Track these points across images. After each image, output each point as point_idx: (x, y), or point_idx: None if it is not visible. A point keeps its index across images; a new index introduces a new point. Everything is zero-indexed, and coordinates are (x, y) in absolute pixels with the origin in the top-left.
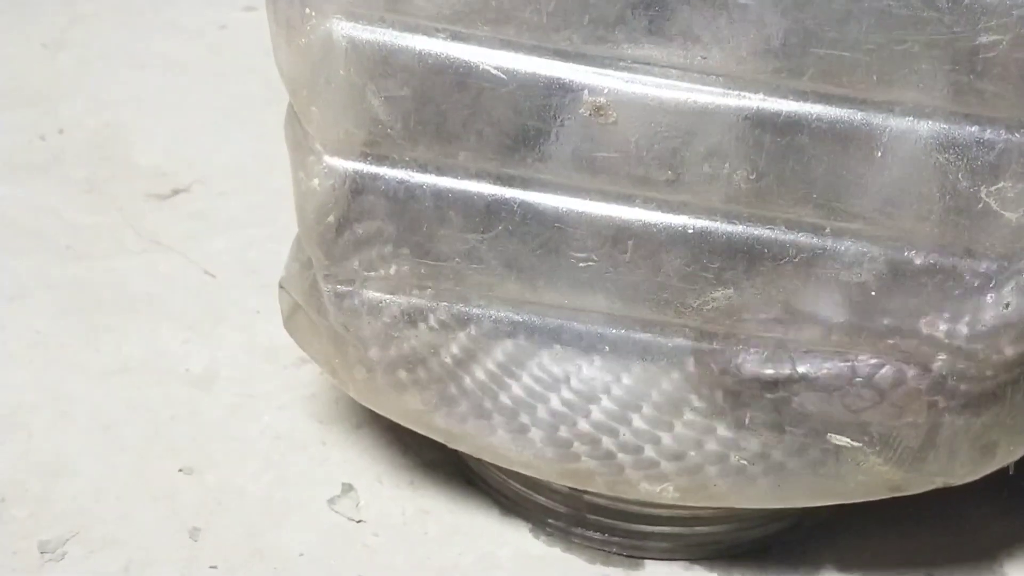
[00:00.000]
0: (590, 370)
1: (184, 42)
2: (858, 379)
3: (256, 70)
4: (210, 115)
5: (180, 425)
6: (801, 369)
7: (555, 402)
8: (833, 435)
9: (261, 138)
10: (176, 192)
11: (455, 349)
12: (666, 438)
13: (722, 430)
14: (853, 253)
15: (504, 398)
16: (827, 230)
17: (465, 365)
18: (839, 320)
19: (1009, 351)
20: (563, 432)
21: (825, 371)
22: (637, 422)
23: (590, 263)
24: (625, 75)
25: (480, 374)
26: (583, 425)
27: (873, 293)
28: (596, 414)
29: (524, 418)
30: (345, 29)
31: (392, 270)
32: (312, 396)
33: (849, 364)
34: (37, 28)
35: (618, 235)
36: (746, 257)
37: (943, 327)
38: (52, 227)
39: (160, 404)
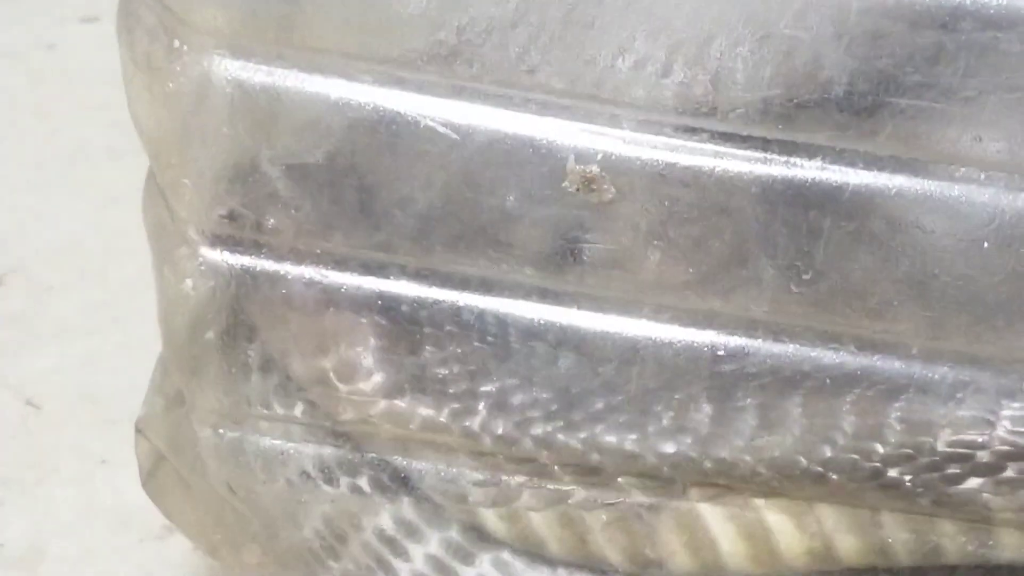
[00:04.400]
0: None
1: None
2: None
3: (98, 109)
4: (32, 174)
5: None
6: None
7: None
8: None
9: (104, 207)
10: None
11: (389, 521)
12: None
13: None
14: (951, 383)
15: None
16: (914, 351)
17: (405, 544)
18: None
19: None
20: None
21: None
22: None
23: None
24: (626, 133)
25: (424, 560)
26: None
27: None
28: None
29: None
30: (230, 70)
31: (300, 409)
32: None
33: None
34: None
35: (618, 356)
36: (798, 388)
37: None
38: None
39: None
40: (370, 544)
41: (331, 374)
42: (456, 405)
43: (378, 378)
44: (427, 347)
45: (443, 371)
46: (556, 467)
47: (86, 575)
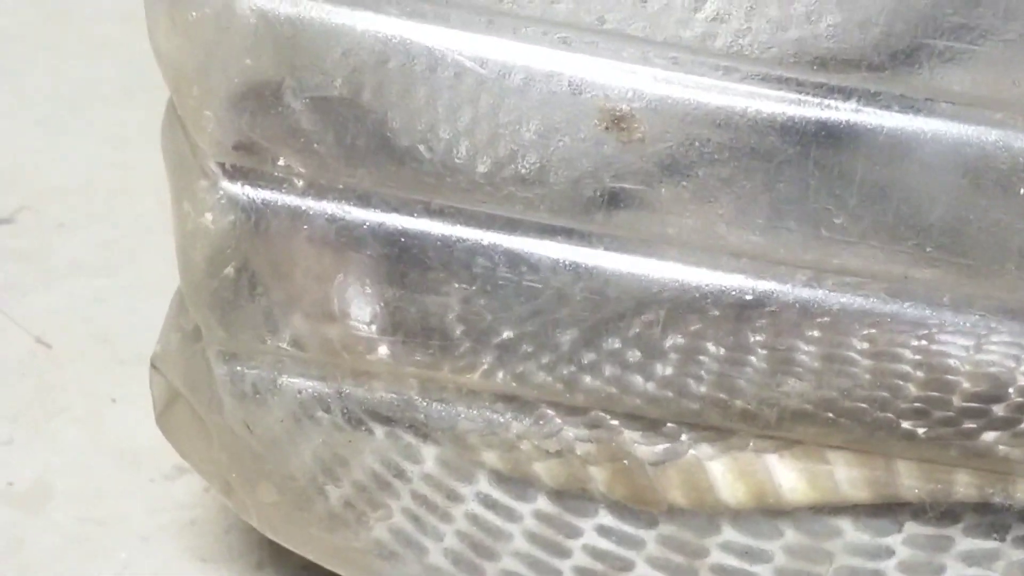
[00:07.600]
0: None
1: (7, 4)
2: None
3: (112, 45)
4: (43, 111)
5: None
6: None
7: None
8: None
9: (119, 145)
10: None
11: (412, 462)
12: None
13: None
14: (981, 329)
15: (489, 539)
16: (945, 298)
17: (430, 487)
18: None
19: None
20: None
21: None
22: None
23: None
24: (658, 72)
25: (453, 502)
26: None
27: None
28: None
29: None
30: None
31: (319, 345)
32: (192, 523)
33: None
34: None
35: (643, 298)
36: (827, 335)
37: None
38: None
39: None
40: (397, 482)
41: (338, 310)
42: (470, 345)
43: (393, 317)
44: (444, 287)
45: (461, 312)
46: (560, 418)
47: (94, 514)
